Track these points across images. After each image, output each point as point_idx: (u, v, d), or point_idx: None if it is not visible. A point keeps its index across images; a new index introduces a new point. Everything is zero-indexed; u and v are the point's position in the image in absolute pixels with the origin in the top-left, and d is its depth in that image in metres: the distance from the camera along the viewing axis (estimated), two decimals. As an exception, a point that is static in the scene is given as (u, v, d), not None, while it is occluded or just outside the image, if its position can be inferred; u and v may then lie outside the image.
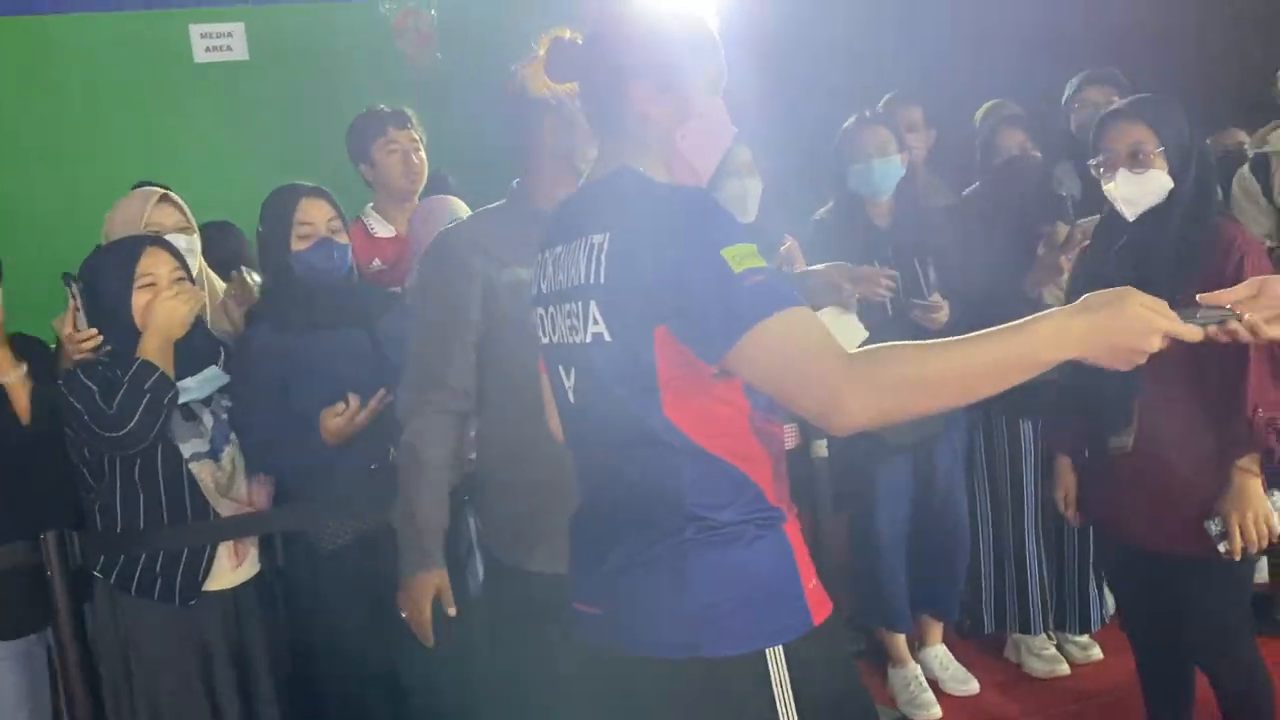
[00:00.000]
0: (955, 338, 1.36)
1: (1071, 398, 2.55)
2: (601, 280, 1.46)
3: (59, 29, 4.80)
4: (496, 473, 2.16)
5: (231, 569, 2.46)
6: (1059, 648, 3.42)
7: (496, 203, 2.17)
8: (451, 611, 2.12)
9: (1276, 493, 2.29)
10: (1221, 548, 2.28)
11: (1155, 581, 2.43)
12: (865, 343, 2.87)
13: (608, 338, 1.47)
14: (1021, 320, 1.34)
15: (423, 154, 3.33)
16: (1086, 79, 3.53)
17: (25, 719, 2.54)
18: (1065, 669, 3.35)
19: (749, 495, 1.48)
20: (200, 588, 2.41)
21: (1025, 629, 3.35)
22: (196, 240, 2.78)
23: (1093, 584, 3.30)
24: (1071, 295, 2.55)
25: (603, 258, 1.45)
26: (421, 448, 2.07)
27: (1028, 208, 3.22)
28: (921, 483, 3.26)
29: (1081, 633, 3.39)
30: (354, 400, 2.38)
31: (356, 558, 2.46)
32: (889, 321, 3.05)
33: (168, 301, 2.37)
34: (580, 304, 1.49)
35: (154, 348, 2.34)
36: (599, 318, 1.47)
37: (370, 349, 2.50)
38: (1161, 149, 2.32)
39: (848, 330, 2.84)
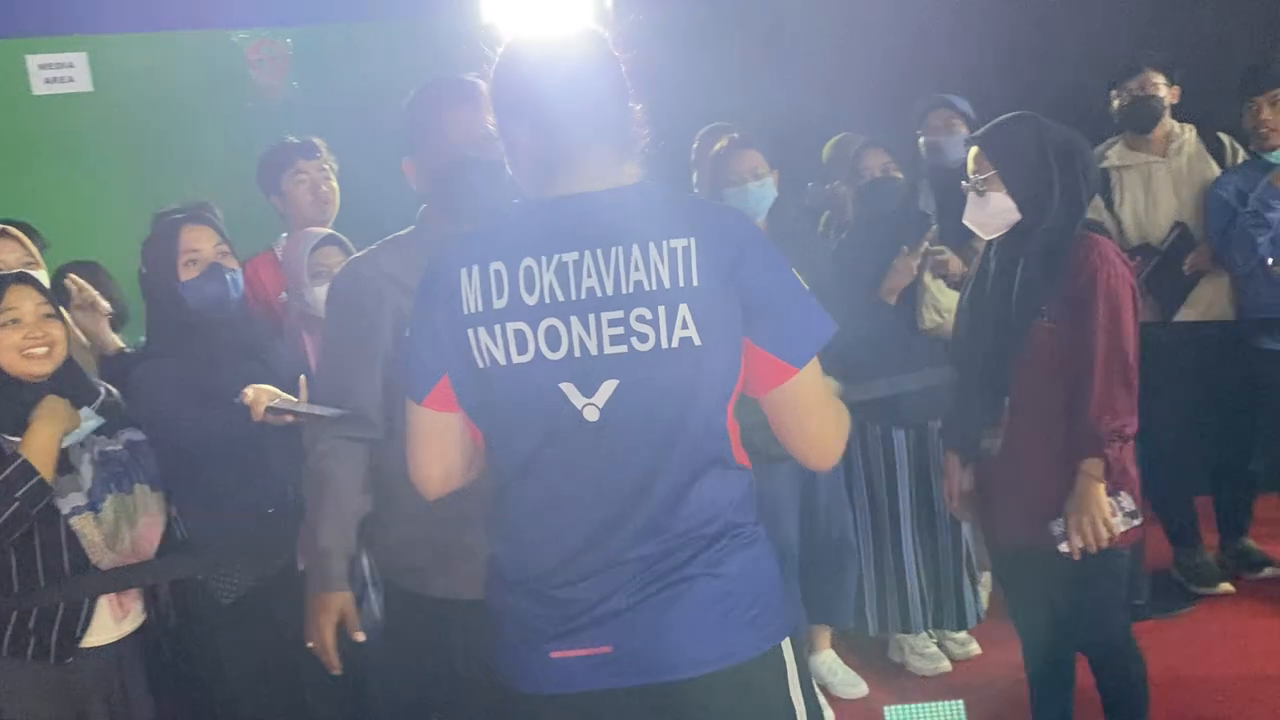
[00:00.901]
0: None
1: (955, 402, 2.68)
2: (695, 283, 1.45)
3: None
4: (398, 498, 2.12)
5: (115, 622, 2.34)
6: (939, 645, 3.56)
7: (404, 230, 2.15)
8: (358, 637, 2.07)
9: (1123, 495, 2.43)
10: (1062, 548, 2.40)
11: (1033, 573, 2.57)
12: None
13: (698, 341, 1.46)
14: None
15: (333, 183, 3.38)
16: (930, 104, 3.73)
17: None
18: (948, 665, 3.49)
19: (752, 498, 1.57)
20: (78, 644, 2.28)
21: (906, 629, 3.48)
22: (44, 276, 2.69)
23: (967, 583, 3.45)
24: (960, 313, 2.69)
25: (693, 262, 1.46)
26: (326, 472, 2.04)
27: (894, 225, 3.35)
28: (805, 493, 3.34)
29: (959, 629, 3.53)
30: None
31: (258, 606, 2.39)
32: None
33: (59, 403, 2.24)
34: (657, 309, 1.46)
35: (40, 445, 2.18)
36: (690, 321, 1.46)
37: (268, 381, 2.43)
38: (996, 174, 2.44)
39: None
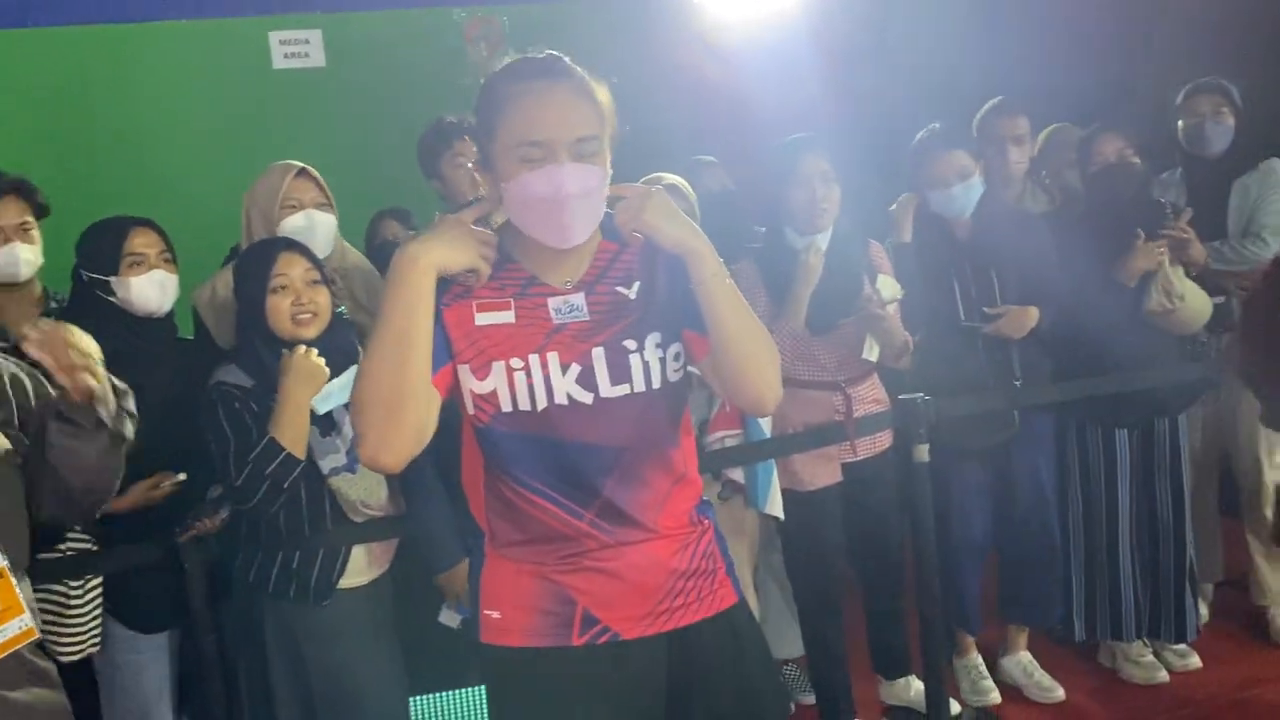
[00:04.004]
0: None
1: None
2: None
3: (141, 37, 4.87)
4: None
5: (368, 566, 2.49)
6: (1156, 655, 3.42)
7: None
8: None
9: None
10: None
11: None
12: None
13: None
14: None
15: None
16: (1198, 87, 3.54)
17: (165, 710, 2.60)
18: (1164, 676, 3.35)
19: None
20: (334, 587, 2.43)
21: (1118, 637, 3.35)
22: (333, 217, 2.76)
23: (1189, 593, 3.30)
24: None
25: None
26: None
27: (1125, 214, 3.22)
28: (1002, 490, 3.26)
29: (1178, 642, 3.38)
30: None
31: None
32: (961, 326, 3.12)
33: (305, 358, 2.33)
34: None
35: (287, 420, 2.30)
36: None
37: None
38: None
39: (886, 286, 2.97)
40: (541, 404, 1.57)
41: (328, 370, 2.36)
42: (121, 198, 3.38)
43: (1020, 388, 3.18)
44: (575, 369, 1.57)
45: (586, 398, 1.58)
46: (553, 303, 1.61)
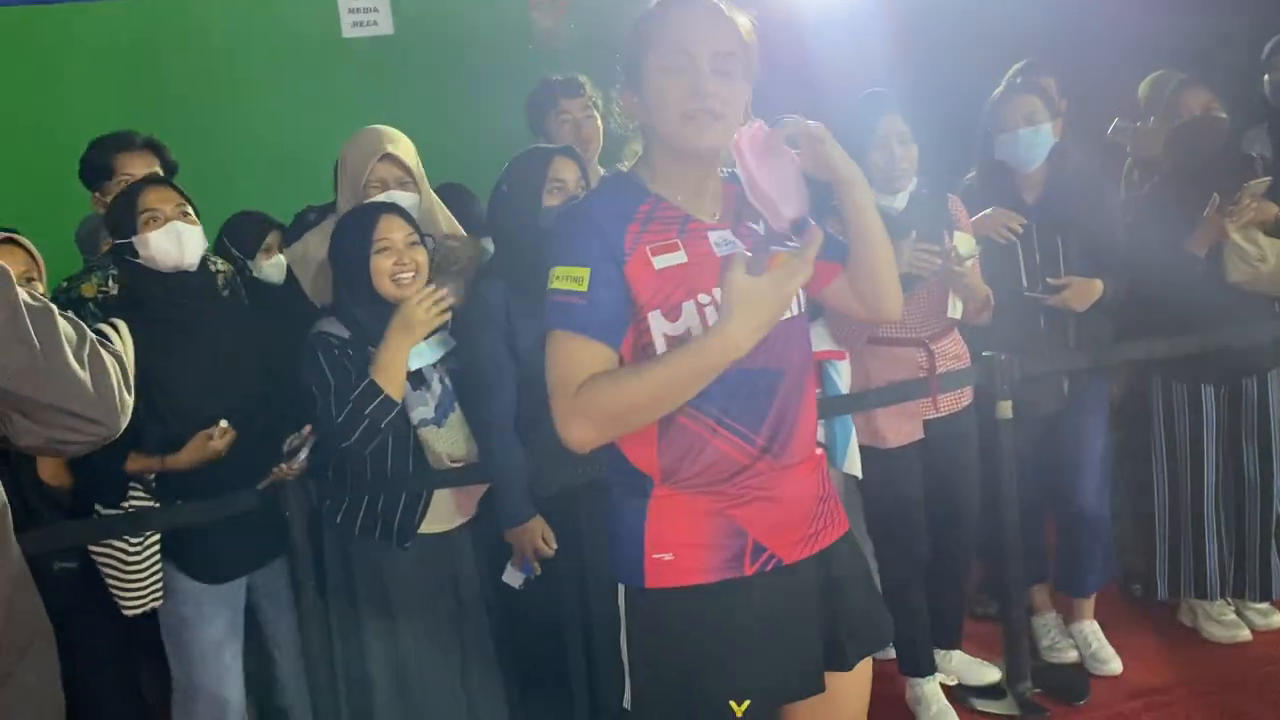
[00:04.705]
0: (651, 361, 1.60)
1: None
2: None
3: (211, 4, 4.94)
4: None
5: (451, 514, 2.54)
6: (1238, 613, 3.39)
7: None
8: None
9: None
10: None
11: None
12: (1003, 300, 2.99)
13: None
14: (696, 339, 1.56)
15: (598, 121, 3.33)
16: None
17: (228, 658, 2.65)
18: (1247, 634, 3.32)
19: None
20: (416, 530, 2.50)
21: (1201, 595, 3.32)
22: (417, 197, 2.75)
23: (1275, 551, 3.25)
24: None
25: None
26: None
27: (1211, 170, 3.16)
28: (1051, 460, 3.24)
29: (1262, 600, 3.34)
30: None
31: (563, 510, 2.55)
32: (1022, 295, 3.07)
33: (413, 310, 2.39)
34: None
35: (387, 362, 2.37)
36: None
37: None
38: None
39: (963, 242, 2.91)
40: None
41: (433, 322, 2.42)
42: (192, 165, 3.47)
43: (1100, 346, 3.15)
44: None
45: None
46: (713, 237, 1.69)
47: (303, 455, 2.52)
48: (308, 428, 2.51)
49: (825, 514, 1.77)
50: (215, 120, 4.80)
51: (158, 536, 2.55)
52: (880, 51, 4.15)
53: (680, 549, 1.67)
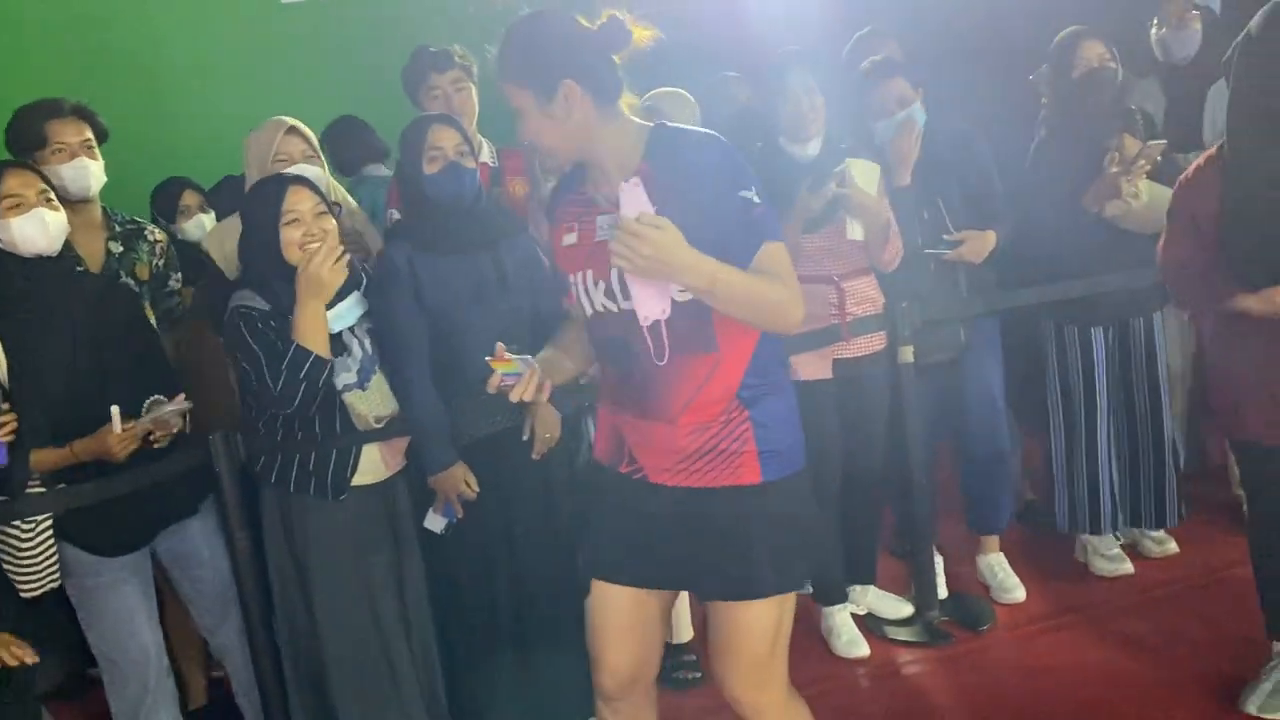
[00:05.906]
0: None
1: None
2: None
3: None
4: None
5: (381, 465, 2.68)
6: (1134, 544, 3.61)
7: None
8: None
9: None
10: None
11: None
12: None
13: None
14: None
15: (471, 92, 3.25)
16: None
17: (143, 624, 2.71)
18: (1129, 568, 3.53)
19: None
20: (348, 484, 2.64)
21: (1096, 529, 3.50)
22: (321, 170, 2.89)
23: (1168, 479, 3.44)
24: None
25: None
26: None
27: (1099, 121, 3.29)
28: (952, 404, 3.42)
29: (1158, 528, 3.55)
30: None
31: (486, 456, 2.71)
32: (921, 255, 3.22)
33: (315, 271, 2.45)
34: None
35: (307, 326, 2.46)
36: None
37: (493, 271, 2.70)
38: None
39: (859, 169, 3.05)
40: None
41: (337, 278, 2.49)
42: (131, 134, 3.56)
43: (996, 293, 3.34)
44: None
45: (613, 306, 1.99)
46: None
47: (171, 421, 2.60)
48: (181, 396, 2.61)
49: (701, 465, 2.00)
50: (153, 89, 4.88)
51: (49, 519, 2.53)
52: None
53: (599, 437, 2.18)
